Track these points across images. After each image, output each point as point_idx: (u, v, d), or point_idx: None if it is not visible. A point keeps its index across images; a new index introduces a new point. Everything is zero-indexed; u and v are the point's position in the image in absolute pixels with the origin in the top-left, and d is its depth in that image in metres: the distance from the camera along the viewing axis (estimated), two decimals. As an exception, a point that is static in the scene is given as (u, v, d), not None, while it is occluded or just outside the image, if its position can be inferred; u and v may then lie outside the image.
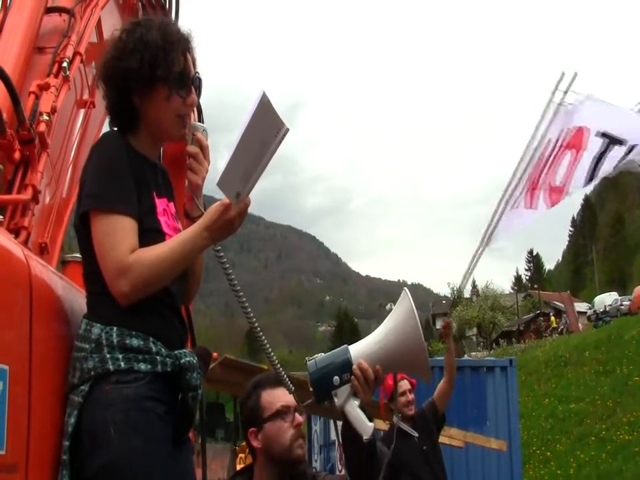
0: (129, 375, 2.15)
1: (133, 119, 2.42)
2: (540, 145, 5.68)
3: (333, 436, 12.61)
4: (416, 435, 5.74)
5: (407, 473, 5.73)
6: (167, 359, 2.23)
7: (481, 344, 68.41)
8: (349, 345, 2.49)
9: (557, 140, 5.66)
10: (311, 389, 2.42)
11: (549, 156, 5.67)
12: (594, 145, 5.54)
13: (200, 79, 2.50)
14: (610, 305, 53.84)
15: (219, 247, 2.31)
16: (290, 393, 2.60)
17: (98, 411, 2.11)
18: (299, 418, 3.03)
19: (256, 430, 3.08)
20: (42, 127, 2.82)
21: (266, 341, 2.48)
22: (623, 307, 50.77)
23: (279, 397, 3.02)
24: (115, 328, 2.19)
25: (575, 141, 5.65)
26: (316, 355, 2.48)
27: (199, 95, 2.55)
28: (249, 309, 2.34)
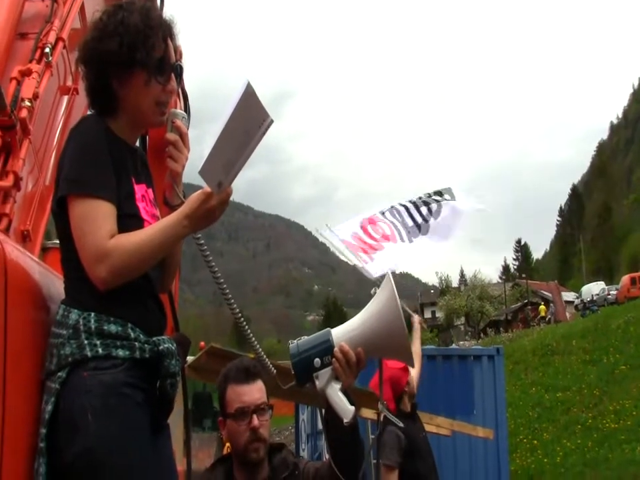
0: (107, 361, 2.14)
1: (112, 102, 2.39)
2: None
3: (320, 425, 12.61)
4: (401, 424, 5.76)
5: (418, 457, 5.75)
6: (146, 346, 2.22)
7: (469, 333, 68.66)
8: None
9: None
10: (293, 371, 2.43)
11: None
12: None
13: (181, 67, 2.48)
14: (597, 295, 54.26)
15: (199, 235, 2.30)
16: (272, 377, 2.60)
17: (75, 397, 2.09)
18: (255, 421, 3.01)
19: (223, 421, 3.12)
20: (24, 113, 2.79)
21: (247, 327, 2.48)
22: (610, 296, 51.18)
23: (240, 395, 3.03)
24: (92, 314, 2.18)
25: None
26: (299, 338, 2.48)
27: (179, 82, 2.53)
28: (230, 296, 2.34)
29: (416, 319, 7.42)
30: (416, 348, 6.76)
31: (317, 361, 2.41)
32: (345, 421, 2.42)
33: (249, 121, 2.10)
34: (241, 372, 3.06)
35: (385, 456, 5.59)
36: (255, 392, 3.03)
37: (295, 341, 2.47)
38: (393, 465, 5.60)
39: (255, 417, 3.01)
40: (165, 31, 2.42)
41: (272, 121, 2.11)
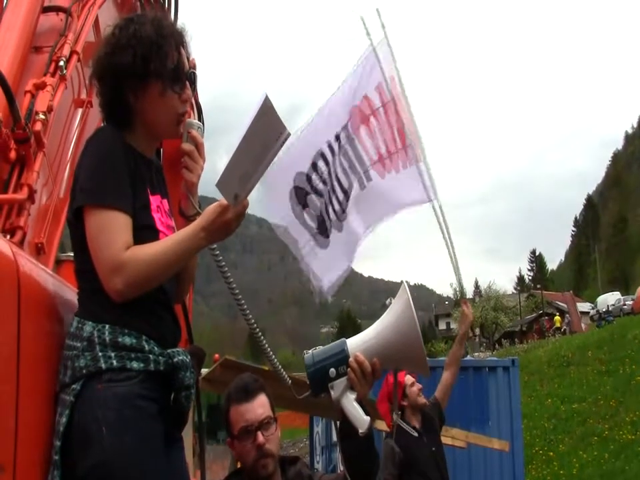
0: (122, 373, 2.13)
1: (127, 116, 2.39)
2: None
3: (335, 437, 12.60)
4: (415, 434, 5.75)
5: (417, 473, 5.74)
6: (160, 358, 2.21)
7: (484, 344, 68.40)
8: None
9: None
10: (308, 381, 2.43)
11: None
12: None
13: (195, 74, 2.47)
14: (613, 305, 53.94)
15: (215, 246, 2.30)
16: (288, 387, 2.60)
17: (90, 409, 2.09)
18: (260, 438, 2.99)
19: (231, 442, 3.10)
20: (38, 126, 2.81)
21: (264, 339, 2.48)
22: (625, 306, 50.84)
23: (242, 415, 3.02)
24: (107, 326, 2.17)
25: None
26: (314, 348, 2.48)
27: (193, 90, 2.53)
28: (246, 308, 2.34)
29: (468, 311, 6.66)
30: (458, 352, 6.64)
31: (332, 371, 2.41)
32: (360, 431, 2.41)
33: (266, 134, 2.09)
34: (240, 391, 3.05)
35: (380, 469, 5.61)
36: (256, 408, 3.02)
37: (310, 351, 2.47)
38: (387, 478, 5.62)
39: (259, 433, 2.99)
40: (178, 39, 2.42)
41: (289, 134, 2.11)
